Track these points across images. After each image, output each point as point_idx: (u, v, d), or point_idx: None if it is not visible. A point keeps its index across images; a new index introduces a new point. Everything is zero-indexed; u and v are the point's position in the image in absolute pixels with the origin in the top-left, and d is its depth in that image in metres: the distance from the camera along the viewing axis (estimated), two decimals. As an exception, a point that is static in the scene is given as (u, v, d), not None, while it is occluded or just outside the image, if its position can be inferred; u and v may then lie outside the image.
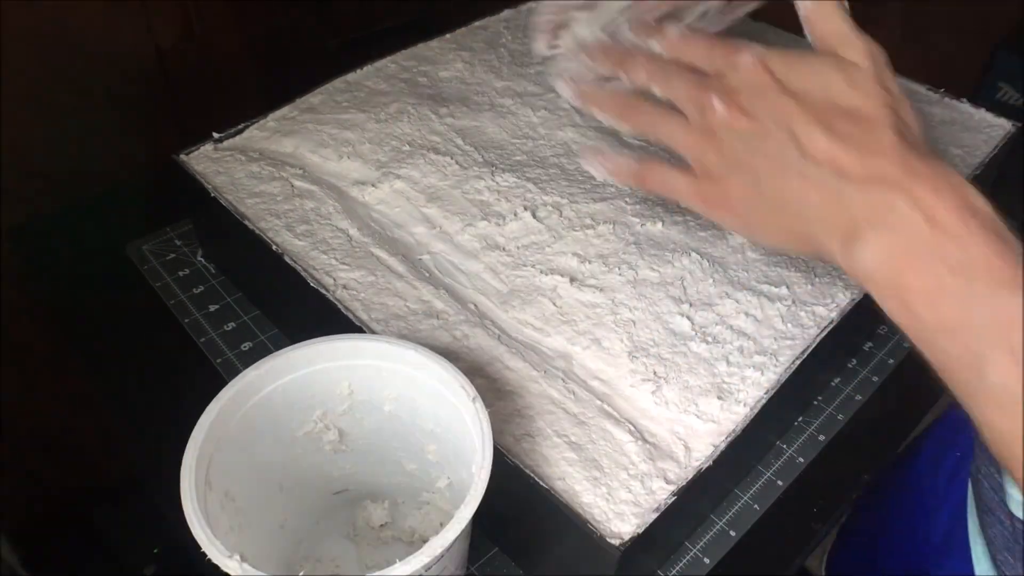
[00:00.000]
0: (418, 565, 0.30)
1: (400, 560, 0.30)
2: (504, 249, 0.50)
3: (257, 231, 0.50)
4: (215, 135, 0.57)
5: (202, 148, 0.56)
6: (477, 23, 0.71)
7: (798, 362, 0.44)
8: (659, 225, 0.52)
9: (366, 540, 0.43)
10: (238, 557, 0.30)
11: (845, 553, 0.64)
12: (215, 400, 0.36)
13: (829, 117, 0.34)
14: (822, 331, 0.46)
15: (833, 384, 0.55)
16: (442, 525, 0.31)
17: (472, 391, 0.36)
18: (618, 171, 0.41)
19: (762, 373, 0.44)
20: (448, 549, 0.31)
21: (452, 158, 0.56)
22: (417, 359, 0.38)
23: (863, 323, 0.54)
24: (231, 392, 0.37)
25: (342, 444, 0.42)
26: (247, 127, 0.58)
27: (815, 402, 0.53)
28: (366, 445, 0.42)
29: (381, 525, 0.44)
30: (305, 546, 0.43)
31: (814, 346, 0.45)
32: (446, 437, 0.39)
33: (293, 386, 0.39)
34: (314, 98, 0.61)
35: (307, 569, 0.42)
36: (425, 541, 0.31)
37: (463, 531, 0.32)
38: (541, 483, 0.38)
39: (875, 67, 0.35)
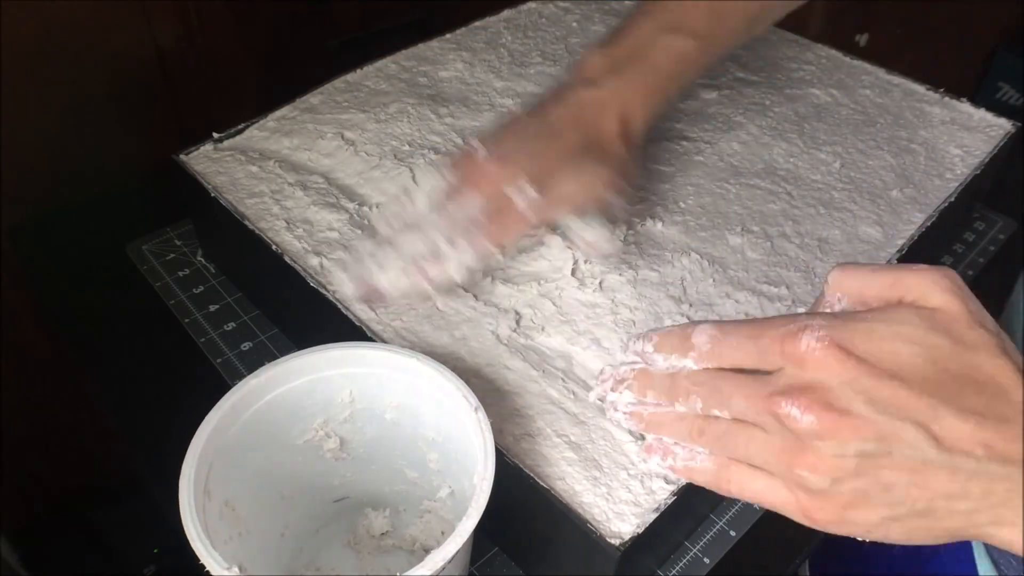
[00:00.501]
0: None
1: (401, 572, 0.30)
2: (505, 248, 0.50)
3: (257, 231, 0.50)
4: (215, 135, 0.57)
5: (202, 148, 0.56)
6: (477, 23, 0.71)
7: (798, 362, 0.44)
8: (659, 225, 0.52)
9: (367, 548, 0.43)
10: (236, 569, 0.30)
11: (833, 552, 0.63)
12: (215, 409, 0.36)
13: (951, 392, 0.27)
14: (822, 331, 0.46)
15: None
16: (443, 534, 0.31)
17: (475, 401, 0.36)
18: (690, 474, 0.33)
19: (762, 373, 0.44)
20: (450, 561, 0.31)
21: (452, 158, 0.56)
22: (419, 368, 0.38)
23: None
24: (231, 401, 0.36)
25: (343, 452, 0.41)
26: (247, 127, 0.58)
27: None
28: (367, 453, 0.42)
29: (382, 533, 0.43)
30: (306, 554, 0.43)
31: (814, 346, 0.45)
32: (447, 446, 0.39)
33: (293, 394, 0.38)
34: (314, 98, 0.61)
35: None
36: (427, 550, 0.30)
37: (465, 542, 0.32)
38: (541, 483, 0.38)
39: (963, 302, 0.29)
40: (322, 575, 0.42)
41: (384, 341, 0.44)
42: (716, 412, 0.31)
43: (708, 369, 0.31)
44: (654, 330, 0.33)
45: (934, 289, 0.29)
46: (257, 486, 0.38)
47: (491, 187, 0.44)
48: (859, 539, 0.30)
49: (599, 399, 0.35)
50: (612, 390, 0.34)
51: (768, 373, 0.29)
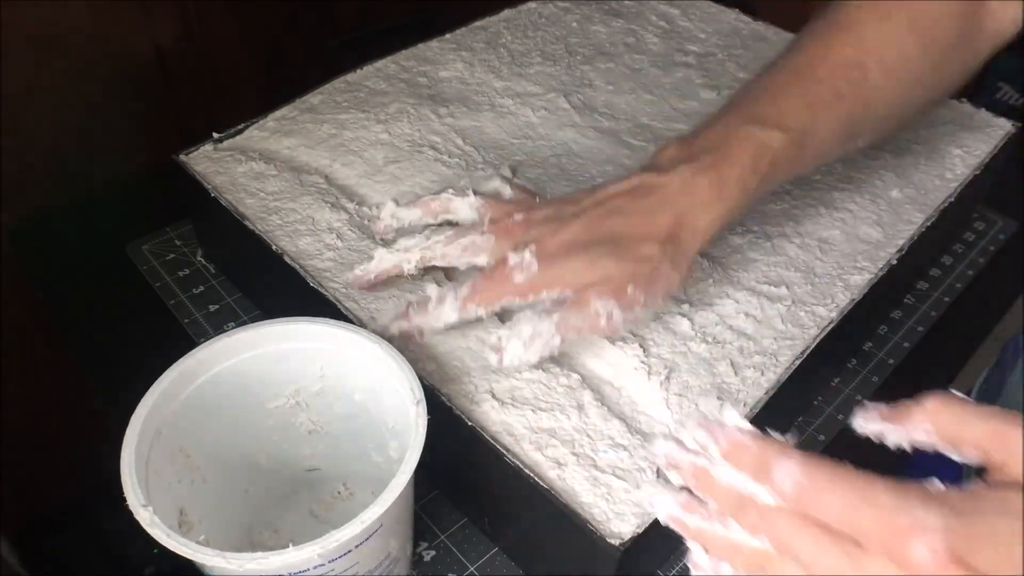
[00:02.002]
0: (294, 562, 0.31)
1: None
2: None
3: (257, 231, 0.50)
4: (215, 135, 0.57)
5: (202, 148, 0.56)
6: (477, 23, 0.71)
7: (798, 362, 0.44)
8: (659, 225, 0.52)
9: (330, 522, 0.44)
10: (151, 509, 0.32)
11: None
12: (185, 356, 0.38)
13: None
14: (822, 331, 0.46)
15: (833, 384, 0.55)
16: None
17: (419, 394, 0.37)
18: None
19: (762, 373, 0.44)
20: (348, 550, 0.33)
21: (452, 158, 0.56)
22: (379, 354, 0.39)
23: (863, 323, 0.54)
24: (201, 353, 0.38)
25: (315, 425, 0.43)
26: (247, 127, 0.58)
27: (815, 402, 0.53)
28: (338, 430, 0.43)
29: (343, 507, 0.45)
30: (270, 515, 0.45)
31: (814, 346, 0.45)
32: (404, 438, 0.39)
33: (266, 359, 0.40)
34: (314, 98, 0.61)
35: (264, 537, 0.44)
36: None
37: (369, 529, 0.32)
38: (541, 483, 0.38)
39: None
40: (277, 537, 0.44)
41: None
42: (789, 567, 0.26)
43: (786, 511, 0.26)
44: (715, 424, 0.29)
45: None
46: (219, 440, 0.40)
47: (500, 247, 0.43)
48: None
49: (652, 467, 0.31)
50: (666, 467, 0.30)
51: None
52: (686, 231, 0.41)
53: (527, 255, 0.41)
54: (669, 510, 0.29)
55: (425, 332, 0.44)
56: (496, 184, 0.49)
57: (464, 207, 0.46)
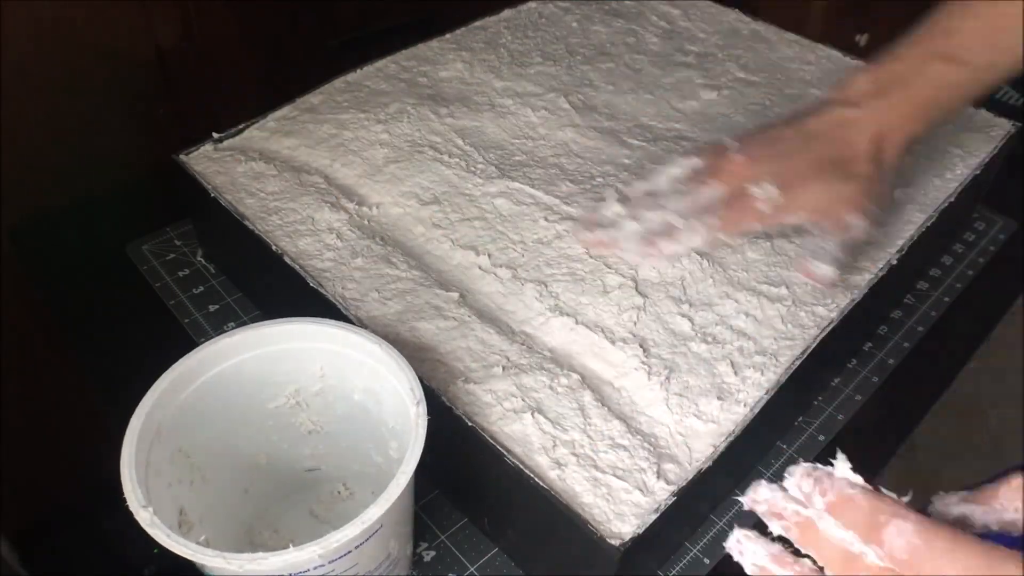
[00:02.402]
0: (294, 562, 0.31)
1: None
2: (504, 249, 0.50)
3: (257, 231, 0.50)
4: (215, 135, 0.57)
5: (202, 148, 0.56)
6: (477, 23, 0.71)
7: (798, 362, 0.44)
8: (659, 225, 0.52)
9: (330, 523, 0.44)
10: (151, 509, 0.32)
11: None
12: (185, 357, 0.38)
13: None
14: (822, 331, 0.46)
15: (833, 384, 0.55)
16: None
17: (419, 394, 0.37)
18: None
19: (762, 373, 0.44)
20: (348, 550, 0.33)
21: (452, 158, 0.56)
22: (379, 354, 0.39)
23: (863, 323, 0.54)
24: (200, 354, 0.38)
25: (315, 425, 0.43)
26: (247, 127, 0.58)
27: (815, 402, 0.53)
28: (338, 431, 0.43)
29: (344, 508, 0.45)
30: (270, 515, 0.45)
31: (814, 346, 0.45)
32: (404, 437, 0.39)
33: (266, 359, 0.40)
34: (314, 98, 0.61)
35: (264, 537, 0.44)
36: None
37: (369, 530, 0.32)
38: (541, 483, 0.38)
39: None
40: (277, 536, 0.44)
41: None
42: None
43: None
44: (824, 474, 0.27)
45: None
46: (219, 440, 0.40)
47: (735, 180, 0.46)
48: None
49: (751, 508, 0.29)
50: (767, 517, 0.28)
51: None
52: (884, 150, 0.47)
53: (768, 187, 0.45)
54: (758, 560, 0.28)
55: (672, 258, 0.48)
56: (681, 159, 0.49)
57: (676, 160, 0.49)
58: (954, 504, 0.28)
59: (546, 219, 0.52)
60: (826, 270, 0.46)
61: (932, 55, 0.47)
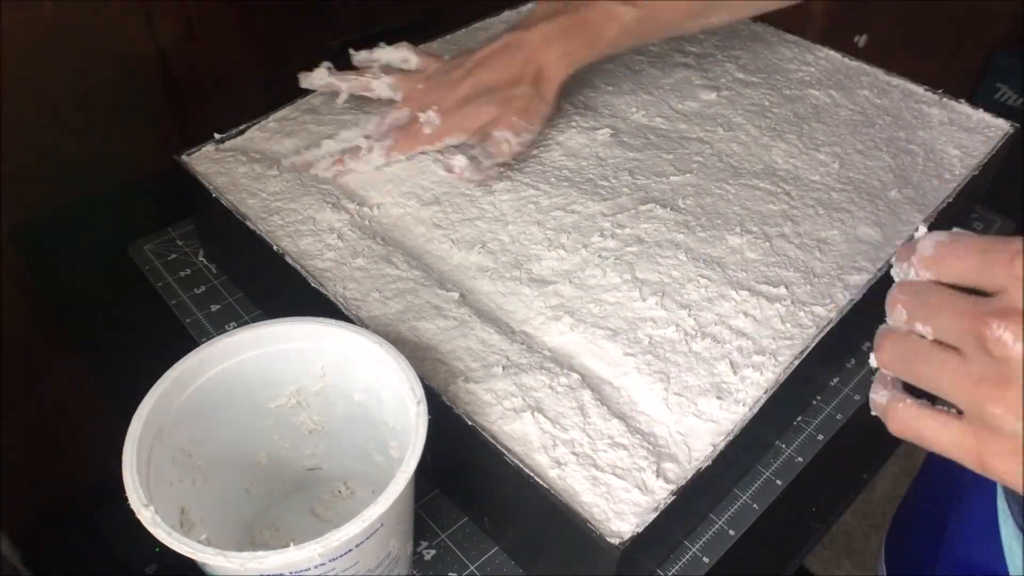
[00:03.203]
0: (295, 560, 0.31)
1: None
2: (504, 249, 0.51)
3: (258, 232, 0.50)
4: (216, 136, 0.57)
5: (203, 149, 0.57)
6: (477, 24, 0.71)
7: (797, 362, 0.45)
8: (659, 225, 0.52)
9: (331, 522, 0.45)
10: (153, 508, 0.32)
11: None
12: (185, 358, 0.38)
13: None
14: (821, 331, 0.46)
15: (832, 384, 0.55)
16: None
17: (420, 394, 0.37)
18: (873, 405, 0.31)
19: (761, 373, 0.44)
20: (349, 549, 0.33)
21: (452, 158, 0.57)
22: (380, 354, 0.39)
23: (862, 323, 0.54)
24: (201, 354, 0.38)
25: (316, 424, 0.43)
26: (248, 128, 0.59)
27: (814, 402, 0.54)
28: (339, 430, 0.44)
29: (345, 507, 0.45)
30: (271, 514, 0.45)
31: (813, 346, 0.45)
32: (404, 437, 0.40)
33: (267, 359, 0.40)
34: (315, 99, 0.62)
35: (265, 536, 0.44)
36: None
37: (369, 529, 0.33)
38: (541, 482, 0.38)
39: None
40: (278, 535, 0.45)
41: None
42: (919, 327, 0.27)
43: (922, 281, 0.28)
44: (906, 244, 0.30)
45: None
46: (221, 439, 0.40)
47: (413, 106, 0.56)
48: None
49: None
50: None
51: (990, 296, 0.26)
52: (546, 74, 0.54)
53: (431, 114, 0.54)
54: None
55: (353, 171, 0.55)
56: (404, 53, 0.59)
57: (382, 86, 0.58)
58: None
59: (546, 219, 0.52)
60: (460, 160, 0.53)
61: None
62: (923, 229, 0.30)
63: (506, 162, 0.55)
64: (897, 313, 0.28)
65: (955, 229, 0.28)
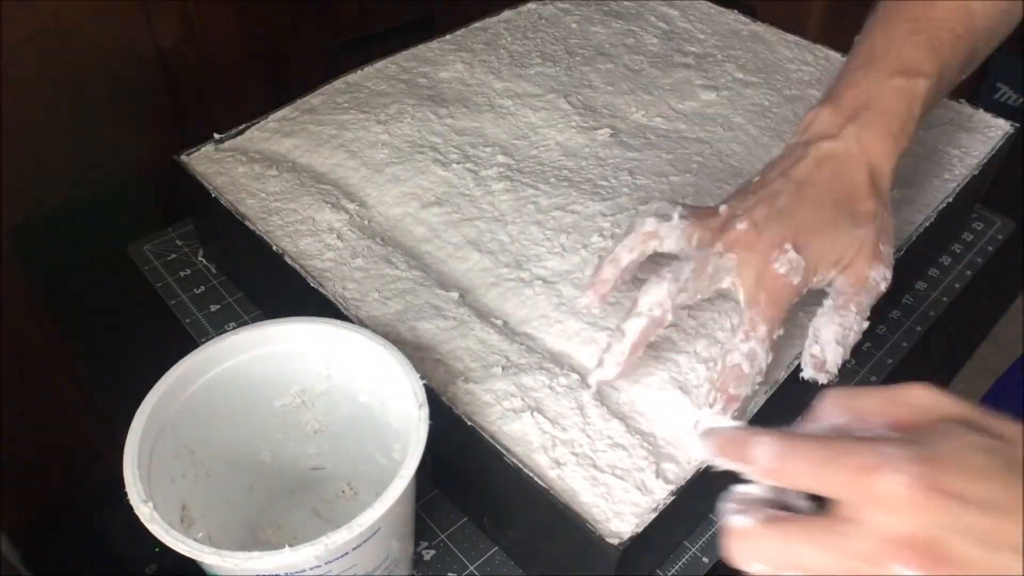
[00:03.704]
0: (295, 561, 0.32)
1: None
2: (504, 249, 0.51)
3: (258, 232, 0.50)
4: (216, 136, 0.57)
5: (203, 149, 0.57)
6: (477, 24, 0.71)
7: (797, 362, 0.45)
8: (658, 226, 0.52)
9: (333, 521, 0.45)
10: (152, 504, 0.32)
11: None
12: (190, 355, 0.38)
13: None
14: (820, 331, 0.46)
15: (832, 384, 0.55)
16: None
17: (422, 398, 0.37)
18: None
19: (761, 373, 0.44)
20: (346, 552, 0.33)
21: (452, 159, 0.57)
22: (383, 356, 0.39)
23: (861, 323, 0.54)
24: (206, 352, 0.38)
25: (321, 424, 0.43)
26: (248, 128, 0.59)
27: (814, 402, 0.53)
28: (343, 430, 0.44)
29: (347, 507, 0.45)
30: (273, 512, 0.45)
31: (813, 346, 0.45)
32: (407, 439, 0.40)
33: (272, 358, 0.40)
34: (314, 99, 0.62)
35: (267, 535, 0.44)
36: None
37: (366, 532, 0.33)
38: (540, 482, 0.38)
39: (962, 402, 0.27)
40: (280, 534, 0.45)
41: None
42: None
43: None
44: (710, 431, 0.29)
45: (934, 397, 0.27)
46: (224, 437, 0.40)
47: (753, 256, 0.41)
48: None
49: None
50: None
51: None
52: (880, 179, 0.45)
53: (789, 253, 0.41)
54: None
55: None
56: (667, 208, 0.44)
57: (673, 234, 0.43)
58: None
59: (546, 219, 0.52)
60: (832, 359, 0.42)
61: (887, 72, 0.46)
62: (702, 419, 0.30)
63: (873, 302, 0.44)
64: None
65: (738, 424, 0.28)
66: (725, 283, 0.42)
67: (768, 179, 0.45)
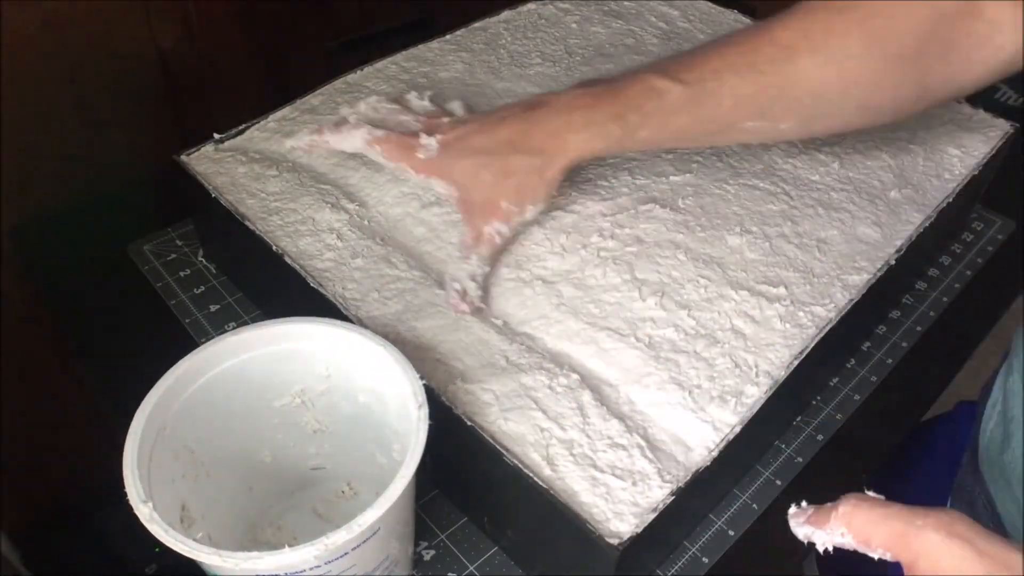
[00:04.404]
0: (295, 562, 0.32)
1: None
2: (504, 250, 0.51)
3: (258, 232, 0.50)
4: (216, 136, 0.57)
5: (203, 149, 0.57)
6: (476, 24, 0.71)
7: (796, 362, 0.45)
8: (658, 225, 0.52)
9: (333, 521, 0.45)
10: (151, 504, 0.32)
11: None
12: (189, 355, 0.38)
13: None
14: (820, 331, 0.46)
15: (832, 384, 0.55)
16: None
17: (421, 398, 0.37)
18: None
19: (760, 374, 0.44)
20: (345, 552, 0.33)
21: (452, 159, 0.57)
22: (383, 356, 0.39)
23: (861, 323, 0.55)
24: (206, 352, 0.38)
25: (321, 425, 0.43)
26: (248, 128, 0.59)
27: (814, 402, 0.54)
28: (343, 430, 0.43)
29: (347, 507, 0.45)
30: (274, 512, 0.45)
31: (812, 346, 0.45)
32: (407, 439, 0.40)
33: (272, 358, 0.40)
34: (315, 99, 0.62)
35: (267, 535, 0.44)
36: None
37: (366, 532, 0.33)
38: (540, 482, 0.38)
39: (978, 558, 0.28)
40: (280, 534, 0.45)
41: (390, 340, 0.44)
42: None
43: None
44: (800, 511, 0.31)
45: (944, 554, 0.28)
46: (224, 437, 0.40)
47: (422, 127, 0.52)
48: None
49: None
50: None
51: None
52: (554, 146, 0.46)
53: (433, 140, 0.49)
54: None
55: (324, 148, 0.54)
56: (425, 104, 0.57)
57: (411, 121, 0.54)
58: (802, 520, 0.30)
59: (545, 219, 0.52)
60: (465, 284, 0.46)
61: (654, 69, 0.46)
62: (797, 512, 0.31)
63: (490, 263, 0.49)
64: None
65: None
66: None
67: (504, 107, 0.51)
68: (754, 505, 0.48)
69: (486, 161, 0.48)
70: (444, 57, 0.67)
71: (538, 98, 0.49)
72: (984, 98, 0.59)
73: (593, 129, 0.46)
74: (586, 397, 0.42)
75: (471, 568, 0.44)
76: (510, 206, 0.47)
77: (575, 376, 0.44)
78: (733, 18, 0.74)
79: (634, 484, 0.39)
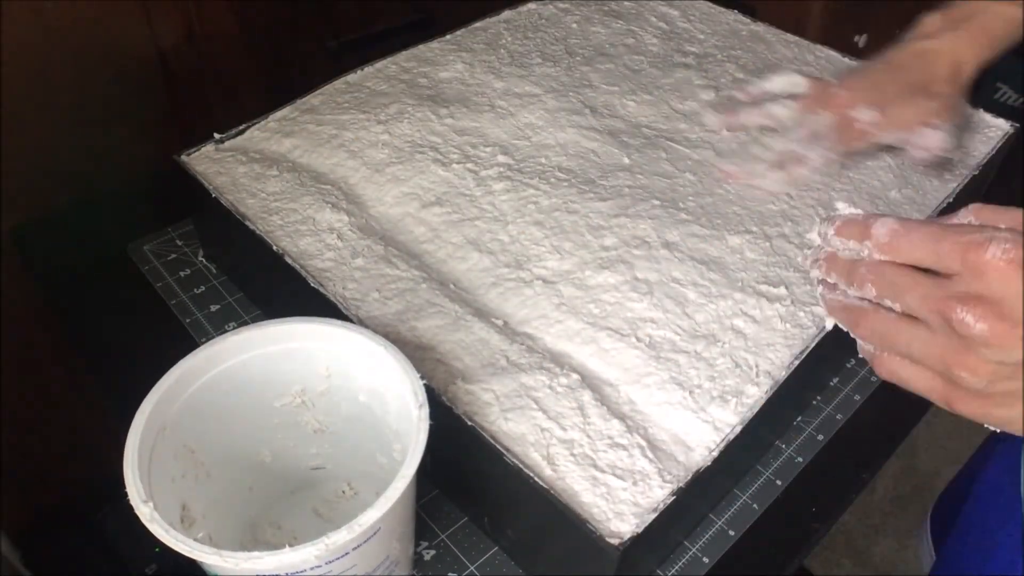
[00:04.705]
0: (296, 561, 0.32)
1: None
2: (504, 249, 0.51)
3: (258, 232, 0.50)
4: (216, 136, 0.57)
5: (203, 149, 0.57)
6: (477, 24, 0.71)
7: (797, 362, 0.45)
8: (659, 225, 0.52)
9: (333, 521, 0.45)
10: (152, 504, 0.32)
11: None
12: (190, 355, 0.38)
13: None
14: (821, 331, 0.46)
15: (832, 384, 0.55)
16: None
17: (422, 398, 0.37)
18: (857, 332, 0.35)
19: (760, 374, 0.44)
20: (346, 552, 0.33)
21: (452, 159, 0.57)
22: (384, 356, 0.39)
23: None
24: (206, 352, 0.38)
25: (321, 424, 0.43)
26: (248, 128, 0.59)
27: (814, 402, 0.54)
28: (343, 430, 0.44)
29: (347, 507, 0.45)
30: (274, 512, 0.45)
31: (813, 346, 0.45)
32: (408, 439, 0.40)
33: (273, 358, 0.40)
34: (315, 99, 0.62)
35: (268, 534, 0.44)
36: None
37: (366, 533, 0.33)
38: (540, 482, 0.38)
39: None
40: (281, 534, 0.45)
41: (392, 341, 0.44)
42: (887, 303, 0.32)
43: (886, 261, 0.32)
44: (836, 216, 0.34)
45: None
46: (224, 437, 0.40)
47: (839, 109, 0.56)
48: (991, 428, 0.32)
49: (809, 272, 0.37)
50: (810, 267, 0.36)
51: (941, 275, 0.30)
52: (959, 75, 0.57)
53: (867, 111, 0.55)
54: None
55: (797, 182, 0.57)
56: (792, 78, 0.61)
57: (786, 112, 0.59)
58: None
59: (546, 219, 0.52)
60: (936, 137, 0.54)
61: None
62: (843, 206, 0.35)
63: (939, 155, 0.56)
64: (867, 290, 0.33)
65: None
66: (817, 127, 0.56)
67: (868, 63, 0.59)
68: (754, 505, 0.48)
69: (921, 96, 0.55)
70: (444, 57, 0.67)
71: (919, 46, 0.57)
72: (984, 98, 0.59)
73: (976, 60, 0.57)
74: (586, 397, 0.42)
75: (471, 568, 0.44)
76: (948, 116, 0.56)
77: (575, 376, 0.44)
78: (733, 18, 0.74)
79: (635, 484, 0.39)
